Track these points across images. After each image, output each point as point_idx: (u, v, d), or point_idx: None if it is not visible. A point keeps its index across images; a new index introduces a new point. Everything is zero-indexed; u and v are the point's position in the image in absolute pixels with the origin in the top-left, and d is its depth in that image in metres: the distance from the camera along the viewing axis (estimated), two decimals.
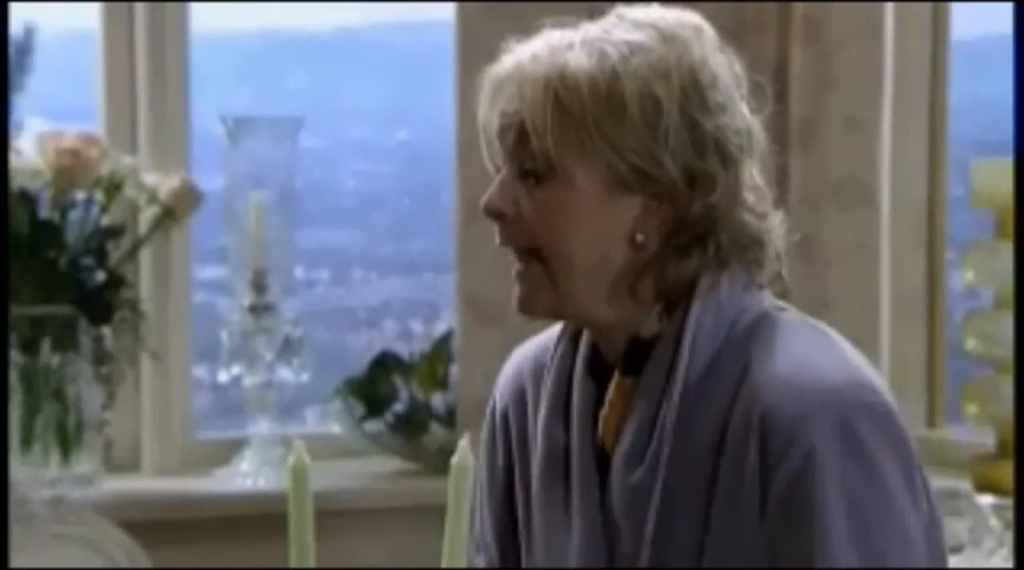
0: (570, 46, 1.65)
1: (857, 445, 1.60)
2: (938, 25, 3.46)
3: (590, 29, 1.67)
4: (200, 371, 3.57)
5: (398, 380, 3.47)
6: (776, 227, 1.71)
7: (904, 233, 3.44)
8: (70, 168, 3.14)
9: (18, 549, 2.98)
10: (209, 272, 3.60)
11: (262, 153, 3.32)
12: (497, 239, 1.70)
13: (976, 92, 3.56)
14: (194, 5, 3.43)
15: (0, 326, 2.85)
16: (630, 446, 1.67)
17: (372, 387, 3.45)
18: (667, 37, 1.66)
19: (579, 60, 1.64)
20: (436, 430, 3.44)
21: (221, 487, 3.33)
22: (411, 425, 3.44)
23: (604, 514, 1.69)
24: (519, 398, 1.80)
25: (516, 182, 1.68)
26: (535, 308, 1.69)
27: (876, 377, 1.67)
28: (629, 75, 1.63)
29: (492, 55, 3.30)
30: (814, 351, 1.66)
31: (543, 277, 1.67)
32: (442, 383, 3.46)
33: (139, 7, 3.37)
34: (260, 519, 3.20)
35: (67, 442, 3.17)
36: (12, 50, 3.61)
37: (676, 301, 1.68)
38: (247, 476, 3.32)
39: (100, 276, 3.21)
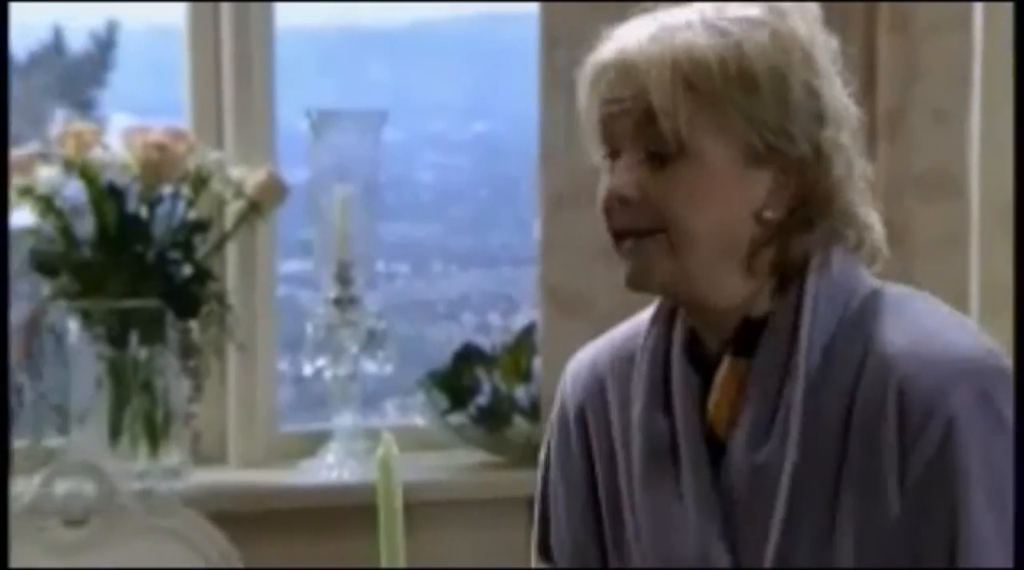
0: (688, 25, 1.66)
1: (995, 412, 1.62)
2: None
3: (702, 9, 1.69)
4: (284, 364, 3.59)
5: (481, 373, 3.47)
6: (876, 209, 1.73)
7: (993, 225, 3.42)
8: (157, 162, 3.16)
9: (107, 542, 3.01)
10: (293, 265, 3.62)
11: (346, 146, 3.33)
12: (614, 224, 1.70)
13: None
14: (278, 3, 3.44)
15: (0, 325, 2.86)
16: (752, 426, 1.68)
17: (455, 380, 3.45)
18: (778, 11, 1.68)
19: (701, 39, 1.65)
20: (520, 422, 3.44)
21: (307, 479, 3.34)
22: (494, 418, 3.45)
23: (720, 498, 1.69)
24: (597, 393, 1.80)
25: (639, 166, 1.68)
26: (650, 282, 1.69)
27: (997, 349, 1.68)
28: (754, 50, 1.66)
29: (575, 46, 3.28)
30: (937, 321, 1.68)
31: (664, 252, 1.67)
32: (525, 375, 3.46)
33: (224, 5, 3.39)
34: (345, 511, 3.22)
35: (155, 435, 3.19)
36: (95, 46, 3.64)
37: (786, 279, 1.69)
38: (332, 468, 3.34)
39: (187, 270, 3.23)
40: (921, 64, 3.30)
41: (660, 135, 1.66)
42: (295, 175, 3.40)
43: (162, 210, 3.23)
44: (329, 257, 3.34)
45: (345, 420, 3.37)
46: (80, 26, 3.57)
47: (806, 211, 1.68)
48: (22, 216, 3.18)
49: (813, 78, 1.67)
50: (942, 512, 1.61)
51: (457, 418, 3.46)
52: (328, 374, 3.36)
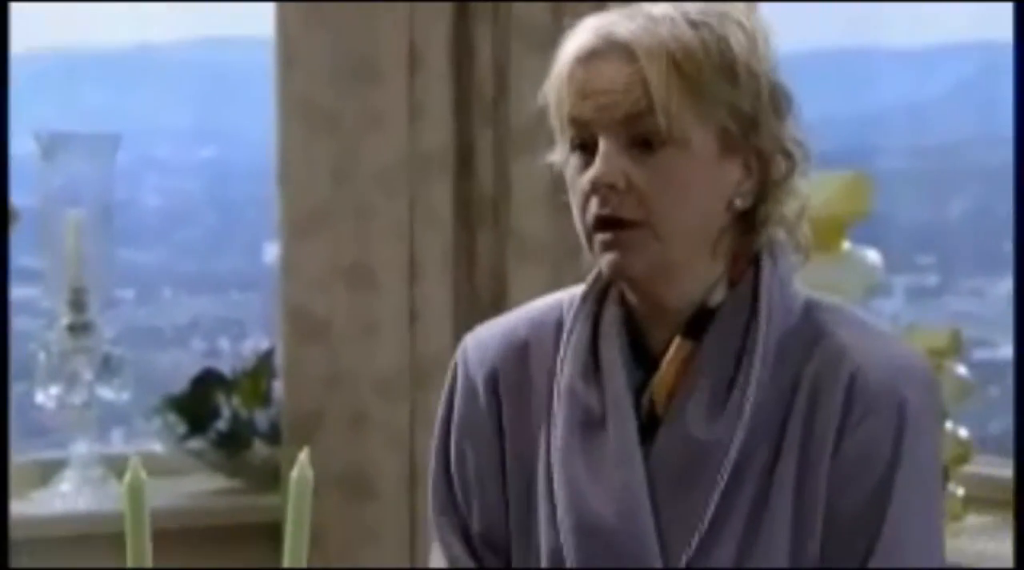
0: (672, 20, 1.74)
1: (937, 412, 1.78)
2: None
3: (677, 5, 1.76)
4: (27, 391, 3.51)
5: (220, 397, 3.45)
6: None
7: None
8: None
9: None
10: (21, 292, 3.54)
11: (78, 170, 3.28)
12: (596, 211, 1.73)
13: None
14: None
15: (1, 325, 2.77)
16: (703, 405, 1.74)
17: (194, 404, 3.42)
18: (744, 10, 1.77)
19: (688, 31, 1.73)
20: (260, 447, 3.42)
21: (40, 509, 3.27)
22: (234, 442, 3.42)
23: (648, 469, 1.75)
24: (515, 360, 1.83)
25: (622, 154, 1.73)
26: (634, 271, 1.74)
27: None
28: (735, 43, 1.73)
29: (312, 69, 3.31)
30: (878, 327, 1.81)
31: (649, 241, 1.73)
32: (265, 399, 3.45)
33: None
34: (81, 540, 3.16)
35: None
36: None
37: (736, 273, 1.77)
38: (67, 497, 3.27)
39: None
40: None
41: (652, 122, 1.71)
42: (21, 199, 3.33)
43: None
44: (61, 283, 3.28)
45: (80, 448, 3.31)
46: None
47: (764, 204, 1.77)
48: None
49: (772, 72, 1.76)
50: (874, 486, 1.72)
51: (196, 443, 3.42)
52: (63, 401, 3.30)
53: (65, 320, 3.29)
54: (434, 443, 1.88)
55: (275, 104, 3.30)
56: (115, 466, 3.34)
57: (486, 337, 1.87)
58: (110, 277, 3.36)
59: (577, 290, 1.85)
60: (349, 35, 3.27)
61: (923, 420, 1.74)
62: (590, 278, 1.83)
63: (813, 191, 3.02)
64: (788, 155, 1.76)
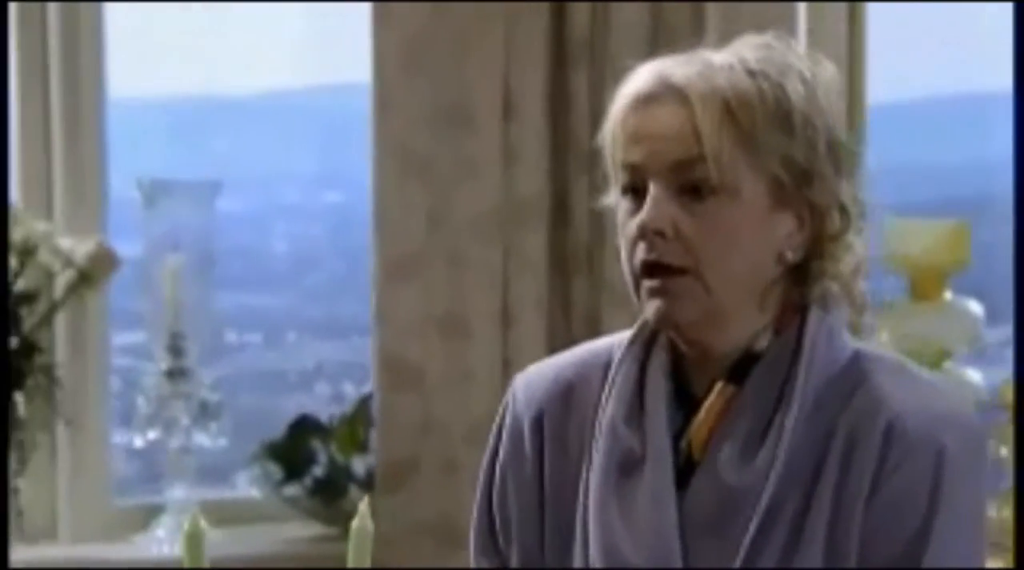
0: (731, 67, 1.72)
1: (980, 458, 1.75)
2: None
3: (738, 51, 1.75)
4: (122, 437, 3.54)
5: (317, 444, 3.44)
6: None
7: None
8: None
9: None
10: (129, 337, 3.58)
11: (179, 216, 3.31)
12: (643, 256, 1.72)
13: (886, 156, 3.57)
14: (113, 69, 3.41)
15: (1, 327, 2.81)
16: (737, 450, 1.72)
17: (291, 451, 3.42)
18: (808, 64, 1.75)
19: (745, 79, 1.72)
20: (356, 494, 3.41)
21: (138, 553, 3.29)
22: (330, 489, 3.41)
23: (681, 514, 1.73)
24: (559, 399, 1.83)
25: (671, 201, 1.72)
26: (680, 319, 1.73)
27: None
28: (793, 94, 1.72)
29: (409, 113, 3.31)
30: (924, 377, 1.78)
31: (697, 291, 1.72)
32: (362, 446, 3.44)
33: (54, 73, 3.35)
34: None
35: None
36: None
37: (784, 321, 1.76)
38: (163, 542, 3.29)
39: (13, 342, 3.18)
40: None
41: (702, 170, 1.70)
42: (125, 246, 3.37)
43: None
44: (161, 328, 3.31)
45: (177, 493, 3.33)
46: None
47: (818, 259, 1.75)
48: None
49: (832, 130, 1.74)
50: (910, 534, 1.69)
51: (292, 489, 3.42)
52: (162, 446, 3.32)
53: (164, 365, 3.31)
54: (480, 484, 1.88)
55: (371, 149, 3.30)
56: (213, 512, 3.36)
57: (535, 378, 1.86)
58: (209, 323, 3.37)
59: (627, 334, 1.83)
60: (445, 81, 3.26)
61: (962, 467, 1.71)
62: (639, 322, 1.81)
63: (915, 239, 2.95)
64: (844, 211, 1.74)
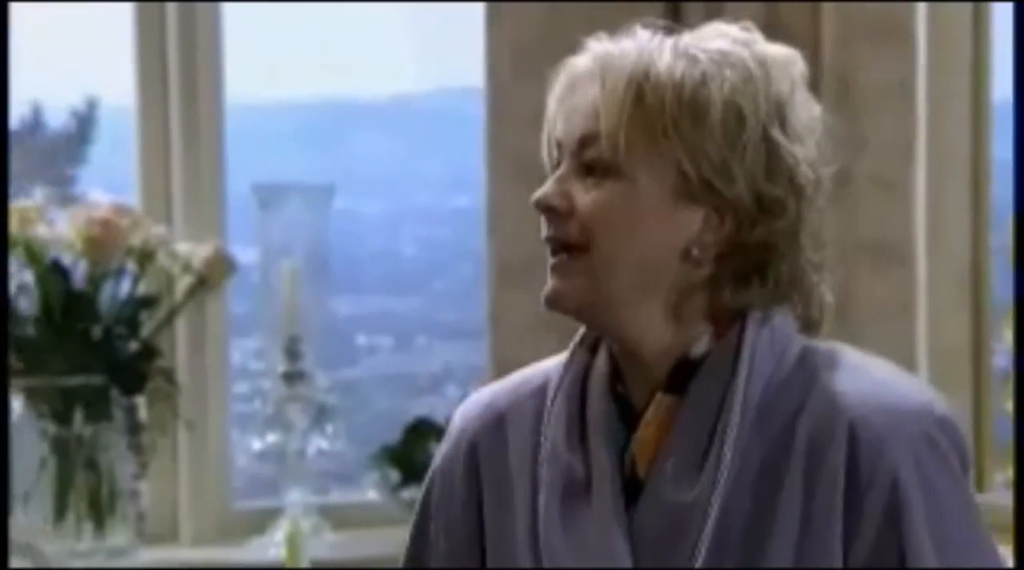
0: (660, 47, 1.64)
1: (942, 458, 1.61)
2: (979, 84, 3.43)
3: (684, 35, 1.66)
4: (243, 439, 3.57)
5: (434, 446, 3.44)
6: (827, 282, 1.69)
7: (943, 294, 3.39)
8: (101, 239, 3.15)
9: None
10: (250, 341, 3.61)
11: (294, 221, 3.32)
12: (543, 233, 1.66)
13: (1006, 153, 3.52)
14: (231, 76, 3.44)
15: (1, 330, 2.84)
16: (680, 464, 1.63)
17: (408, 454, 3.42)
18: (761, 58, 1.65)
19: (668, 61, 1.63)
20: None
21: (255, 556, 3.31)
22: None
23: (633, 535, 1.64)
24: (493, 428, 1.73)
25: (574, 178, 1.65)
26: (567, 301, 1.64)
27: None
28: (717, 83, 1.61)
29: (523, 118, 3.29)
30: (879, 369, 1.66)
31: (585, 272, 1.63)
32: None
33: (173, 78, 3.38)
34: None
35: (100, 513, 3.16)
36: (75, 122, 3.64)
37: (724, 327, 1.65)
38: (280, 545, 3.30)
39: (133, 346, 3.21)
40: (865, 132, 3.28)
41: (600, 149, 1.62)
42: (241, 251, 3.40)
43: (109, 287, 3.21)
44: (279, 332, 3.33)
45: (295, 496, 3.34)
46: (60, 103, 3.57)
47: (738, 262, 1.64)
48: None
49: (775, 131, 1.62)
50: (889, 559, 1.59)
51: (410, 492, 3.43)
52: (280, 450, 3.34)
53: (281, 369, 3.33)
54: (411, 525, 1.78)
55: (484, 153, 3.29)
56: (334, 516, 3.38)
57: (470, 408, 1.77)
58: (326, 326, 3.39)
59: (562, 357, 1.74)
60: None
61: (938, 458, 1.61)
62: (577, 336, 1.73)
63: None
64: (769, 215, 1.62)
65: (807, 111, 1.65)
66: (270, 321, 3.34)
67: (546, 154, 1.69)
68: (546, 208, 1.65)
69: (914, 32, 3.33)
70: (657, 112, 1.60)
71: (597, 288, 1.63)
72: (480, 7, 3.28)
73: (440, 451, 1.79)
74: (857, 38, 3.23)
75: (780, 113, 1.62)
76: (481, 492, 1.72)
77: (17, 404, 3.15)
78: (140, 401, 3.23)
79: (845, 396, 1.61)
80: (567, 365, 1.71)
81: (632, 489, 1.65)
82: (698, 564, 1.59)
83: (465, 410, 1.78)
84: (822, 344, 1.68)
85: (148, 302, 3.25)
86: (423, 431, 3.45)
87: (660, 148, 1.61)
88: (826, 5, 3.25)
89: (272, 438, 3.35)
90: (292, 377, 3.33)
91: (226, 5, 3.41)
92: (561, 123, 1.66)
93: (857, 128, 3.28)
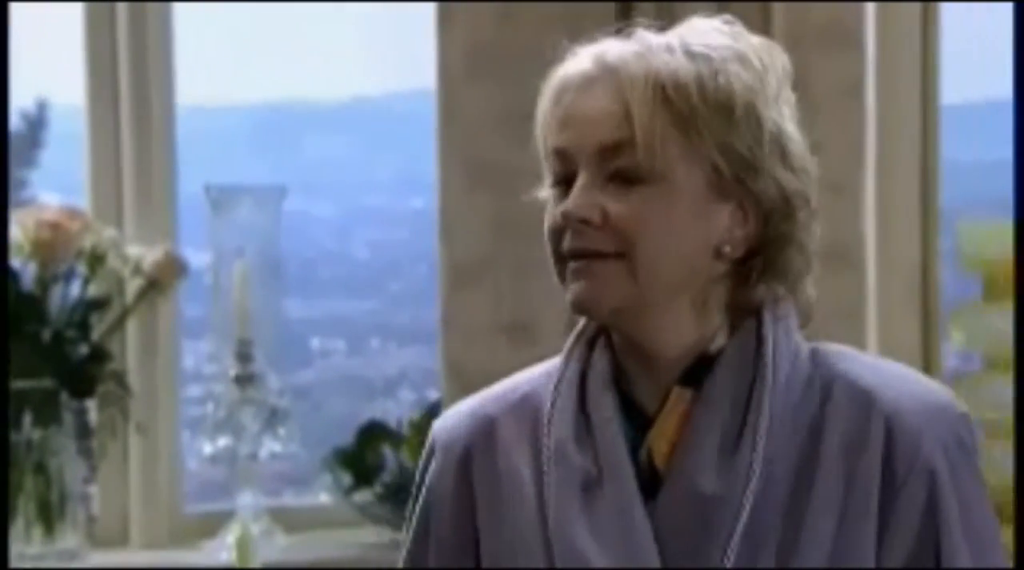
0: (669, 49, 1.63)
1: (968, 454, 1.65)
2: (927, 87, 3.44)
3: (682, 34, 1.65)
4: (194, 443, 3.56)
5: (387, 450, 3.44)
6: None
7: (892, 297, 3.40)
8: (50, 241, 3.13)
9: None
10: (202, 344, 3.59)
11: (246, 223, 3.31)
12: (567, 246, 1.62)
13: (955, 156, 3.54)
14: (182, 78, 3.42)
15: (1, 327, 2.83)
16: (707, 458, 1.62)
17: (360, 457, 3.42)
18: (757, 51, 1.65)
19: (681, 60, 1.62)
20: None
21: (207, 560, 3.30)
22: (400, 495, 3.41)
23: (656, 528, 1.62)
24: (487, 437, 1.70)
25: (598, 187, 1.61)
26: (601, 306, 1.62)
27: None
28: (732, 78, 1.62)
29: (470, 121, 3.29)
30: (894, 365, 1.70)
31: (622, 276, 1.61)
32: None
33: (123, 80, 3.36)
34: None
35: (50, 517, 3.15)
36: (25, 125, 3.62)
37: (738, 321, 1.66)
38: (232, 549, 3.29)
39: (83, 349, 3.20)
40: (817, 135, 3.29)
41: (632, 154, 1.60)
42: (193, 253, 3.38)
43: (59, 289, 3.19)
44: (230, 335, 3.31)
45: (247, 500, 3.33)
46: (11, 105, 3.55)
47: (765, 256, 1.65)
48: None
49: (781, 119, 1.64)
50: (927, 553, 1.61)
51: (362, 496, 3.42)
52: (232, 453, 3.32)
53: (233, 372, 3.32)
54: (408, 545, 1.74)
55: (437, 155, 3.29)
56: (285, 519, 3.37)
57: (454, 420, 1.74)
58: (277, 329, 3.37)
59: (544, 366, 1.73)
60: (510, 86, 3.24)
61: (955, 474, 1.63)
62: (572, 336, 1.71)
63: (989, 240, 2.91)
64: (791, 207, 1.63)
65: (791, 100, 1.67)
66: (222, 324, 3.33)
67: (545, 167, 1.66)
68: (580, 221, 1.61)
69: (863, 35, 3.35)
70: (687, 113, 1.60)
71: (637, 292, 1.61)
72: (431, 8, 3.28)
73: (428, 468, 1.73)
74: (807, 40, 3.23)
75: (786, 104, 1.65)
76: (475, 499, 1.70)
77: None
78: (90, 404, 3.21)
79: (876, 390, 1.63)
80: (565, 364, 1.69)
81: (649, 484, 1.63)
82: (732, 558, 1.59)
83: (447, 423, 1.75)
84: (825, 344, 1.69)
85: (99, 305, 3.23)
86: (375, 434, 3.45)
87: (693, 147, 1.61)
88: (777, 6, 3.25)
89: (224, 441, 3.34)
90: (244, 380, 3.32)
91: (177, 5, 3.40)
92: (564, 132, 1.62)
93: (808, 131, 3.28)
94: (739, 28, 1.67)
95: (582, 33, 3.56)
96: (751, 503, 1.60)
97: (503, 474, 1.69)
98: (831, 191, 3.28)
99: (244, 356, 3.32)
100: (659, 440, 1.64)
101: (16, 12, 3.31)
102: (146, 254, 3.26)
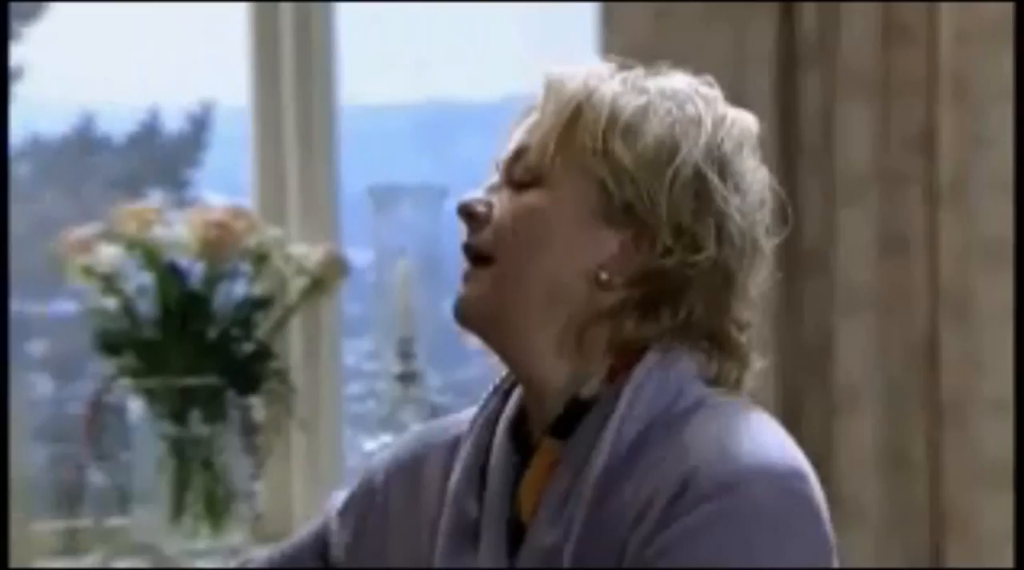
0: (611, 75, 1.62)
1: (791, 513, 1.52)
2: None
3: (638, 71, 1.64)
4: (356, 440, 3.59)
5: None
6: (752, 344, 1.62)
7: None
8: (217, 241, 3.18)
9: None
10: (364, 343, 3.63)
11: (408, 222, 3.34)
12: (463, 242, 1.64)
13: None
14: (345, 77, 3.46)
15: (2, 325, 2.88)
16: (548, 511, 1.57)
17: None
18: (711, 103, 1.62)
19: (614, 87, 1.61)
20: None
21: None
22: None
23: None
24: (409, 477, 1.70)
25: (502, 189, 1.64)
26: (469, 314, 1.61)
27: (811, 472, 1.57)
28: (656, 113, 1.59)
29: None
30: (753, 429, 1.56)
31: (490, 284, 1.59)
32: None
33: (287, 81, 3.40)
34: None
35: (217, 513, 3.19)
36: (190, 126, 3.68)
37: (620, 367, 1.59)
38: None
39: (248, 347, 3.24)
40: (984, 132, 3.25)
41: (529, 162, 1.62)
42: (357, 253, 3.42)
43: (224, 288, 3.24)
44: (391, 333, 3.34)
45: None
46: (176, 106, 3.61)
47: (650, 290, 1.58)
48: (87, 297, 3.22)
49: (709, 171, 1.58)
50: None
51: None
52: None
53: (395, 370, 3.34)
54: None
55: None
56: None
57: (380, 460, 1.74)
58: (438, 327, 3.40)
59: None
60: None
61: (769, 521, 1.49)
62: (490, 387, 1.69)
63: None
64: (685, 249, 1.57)
65: (754, 174, 1.62)
66: (383, 322, 3.35)
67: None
68: (467, 214, 1.63)
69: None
70: (591, 130, 1.58)
71: (499, 301, 1.59)
72: (590, 8, 3.28)
73: (355, 498, 1.74)
74: (973, 37, 3.19)
75: (721, 160, 1.59)
76: (387, 539, 1.69)
77: (136, 404, 3.19)
78: (255, 402, 3.26)
79: (690, 448, 1.53)
80: (477, 414, 1.68)
81: (518, 537, 1.60)
82: None
83: (374, 465, 1.74)
84: (728, 396, 1.60)
85: (263, 303, 3.27)
86: None
87: (587, 164, 1.58)
88: (943, 4, 3.21)
89: (385, 438, 3.36)
90: (406, 378, 3.34)
91: (340, 5, 3.44)
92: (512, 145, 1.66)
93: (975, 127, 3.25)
94: (716, 92, 1.63)
95: (745, 29, 3.56)
96: (569, 558, 1.54)
97: (419, 514, 1.68)
98: (998, 190, 3.25)
99: (406, 354, 3.34)
100: (527, 493, 1.60)
101: (181, 15, 3.36)
102: (309, 253, 3.30)
